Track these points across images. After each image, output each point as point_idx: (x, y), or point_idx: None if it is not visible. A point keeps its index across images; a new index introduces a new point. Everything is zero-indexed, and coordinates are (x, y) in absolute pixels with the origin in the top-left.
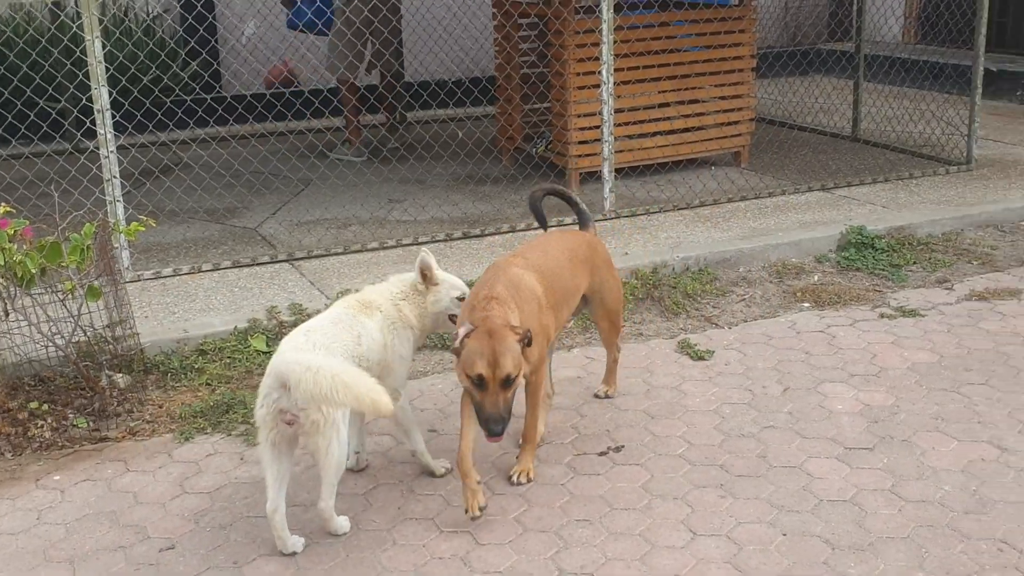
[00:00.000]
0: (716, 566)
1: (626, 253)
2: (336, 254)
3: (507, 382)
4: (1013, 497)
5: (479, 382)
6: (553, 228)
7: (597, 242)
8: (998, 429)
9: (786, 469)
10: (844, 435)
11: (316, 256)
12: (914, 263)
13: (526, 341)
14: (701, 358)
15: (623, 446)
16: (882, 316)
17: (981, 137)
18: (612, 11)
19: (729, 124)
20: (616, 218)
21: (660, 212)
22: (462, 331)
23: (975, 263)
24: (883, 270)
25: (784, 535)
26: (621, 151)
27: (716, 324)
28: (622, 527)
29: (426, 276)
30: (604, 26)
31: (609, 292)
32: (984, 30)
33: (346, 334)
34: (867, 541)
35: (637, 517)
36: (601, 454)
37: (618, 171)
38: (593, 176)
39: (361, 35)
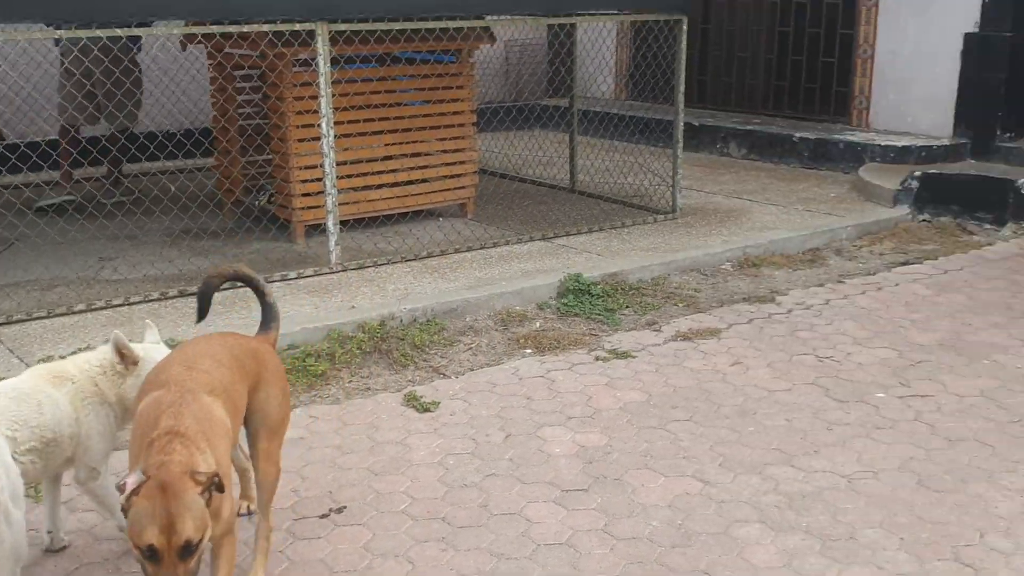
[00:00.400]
0: None
1: (353, 306)
2: (39, 318)
3: (187, 550)
4: (714, 528)
5: (150, 554)
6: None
7: (268, 351)
8: (701, 463)
9: (506, 516)
10: (561, 478)
11: (17, 321)
12: (627, 307)
13: (213, 487)
14: (427, 410)
15: (345, 506)
16: (597, 359)
17: (685, 187)
18: (329, 65)
19: (454, 176)
20: (343, 271)
21: (388, 263)
22: (130, 483)
23: (680, 305)
24: (599, 315)
25: None
26: (347, 203)
27: (443, 374)
28: None
29: (124, 356)
30: (321, 79)
31: (274, 409)
32: (683, 88)
33: (23, 404)
34: None
35: None
36: (322, 516)
37: (344, 223)
38: (318, 228)
39: (81, 86)
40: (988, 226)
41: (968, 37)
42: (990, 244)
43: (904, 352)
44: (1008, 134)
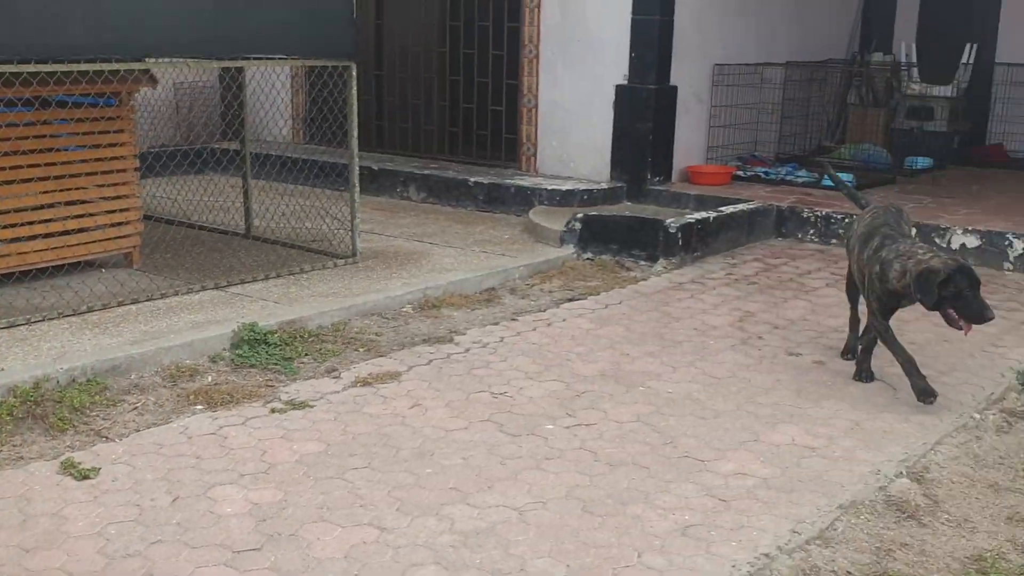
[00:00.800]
0: None
1: (2, 368)
2: None
3: None
4: (390, 575)
5: None
6: None
7: None
8: (378, 510)
9: None
10: (233, 538)
11: None
12: (306, 355)
13: None
14: (87, 477)
15: None
16: (273, 411)
17: (365, 231)
18: None
19: (116, 225)
20: None
21: (43, 320)
22: None
23: (361, 350)
24: (276, 364)
25: None
26: None
27: (106, 437)
28: None
29: None
30: None
31: None
32: (356, 132)
33: None
34: None
35: None
36: None
37: None
38: None
39: None
40: (643, 262)
41: (619, 88)
42: (644, 279)
43: (571, 384)
44: (657, 177)
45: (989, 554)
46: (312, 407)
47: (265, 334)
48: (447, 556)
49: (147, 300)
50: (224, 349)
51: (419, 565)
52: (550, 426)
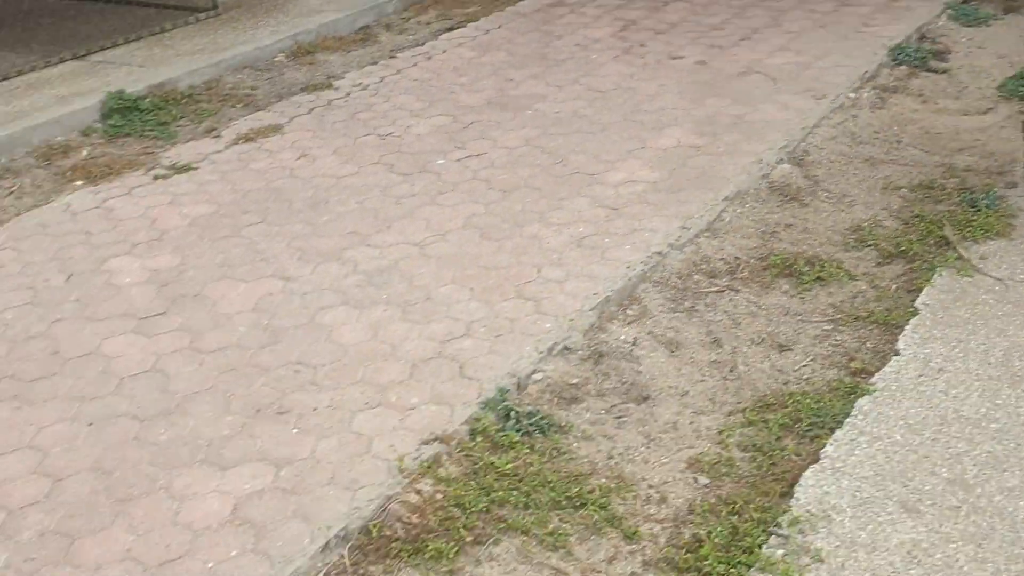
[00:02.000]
0: (23, 481)
1: None
2: None
3: None
4: (301, 320)
5: None
6: None
7: None
8: (280, 262)
9: (82, 358)
10: (136, 306)
11: None
12: (181, 117)
13: None
14: None
15: None
16: (156, 178)
17: None
18: None
19: None
20: None
21: None
22: None
23: (239, 106)
24: (152, 130)
25: (90, 424)
26: None
27: None
28: None
29: None
30: None
31: None
32: None
33: None
34: (174, 403)
35: None
36: None
37: None
38: None
39: None
40: None
41: None
42: None
43: (457, 116)
44: None
45: (866, 223)
46: (196, 169)
47: (135, 100)
48: (354, 296)
49: (3, 80)
50: (95, 121)
51: (328, 308)
52: (441, 161)
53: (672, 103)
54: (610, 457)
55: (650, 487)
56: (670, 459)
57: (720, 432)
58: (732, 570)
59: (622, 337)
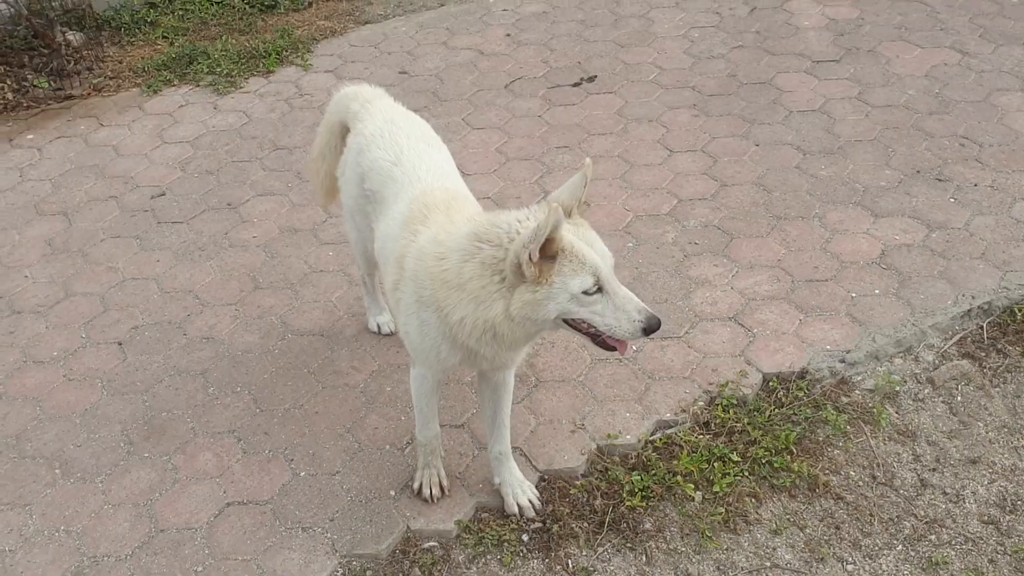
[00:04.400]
0: (693, 178)
1: None
2: None
3: None
4: (973, 97)
5: None
6: None
7: None
8: (959, 35)
9: (756, 85)
10: (811, 49)
11: None
12: None
13: None
14: None
15: (596, 76)
16: None
17: None
18: None
19: None
20: None
21: None
22: None
23: None
24: None
25: (757, 145)
26: None
27: None
28: (601, 150)
29: None
30: None
31: None
32: None
33: None
34: (836, 145)
35: (614, 140)
36: (575, 85)
37: None
38: None
39: None
40: None
41: None
42: None
43: None
44: None
45: None
46: None
47: None
48: None
49: None
50: None
51: (1004, 90)
52: None
53: None
54: None
55: None
56: None
57: None
58: None
59: None
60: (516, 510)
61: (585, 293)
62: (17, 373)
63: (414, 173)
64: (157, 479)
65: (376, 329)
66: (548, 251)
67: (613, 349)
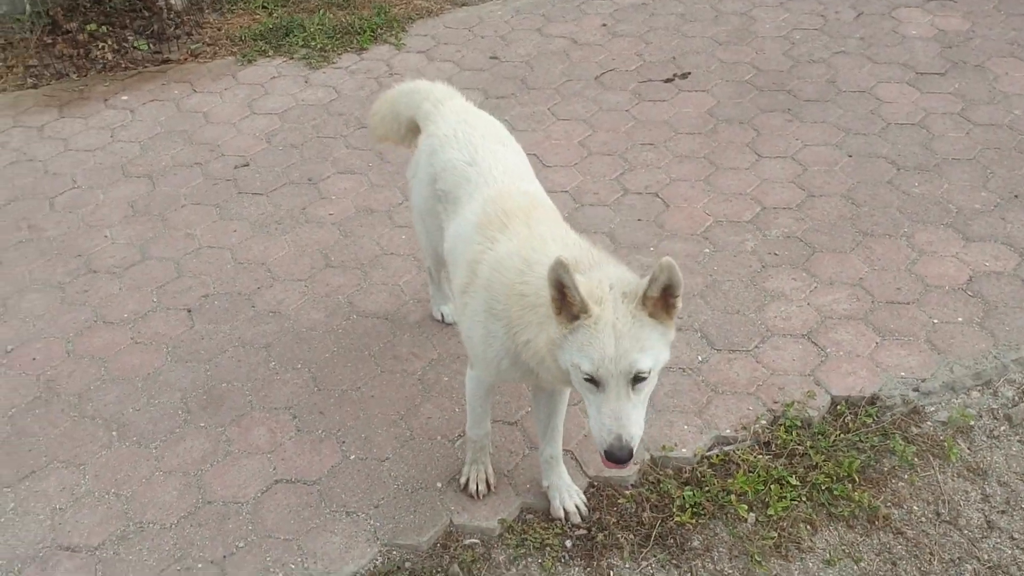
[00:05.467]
0: (780, 185)
1: None
2: None
3: None
4: None
5: None
6: None
7: None
8: None
9: (855, 94)
10: (916, 60)
11: None
12: None
13: None
14: None
15: (689, 72)
16: None
17: None
18: None
19: None
20: None
21: None
22: None
23: None
24: None
25: (850, 156)
26: None
27: None
28: (687, 150)
29: None
30: None
31: None
32: None
33: None
34: (933, 162)
35: (702, 141)
36: (667, 81)
37: None
38: None
39: None
40: None
41: None
42: None
43: None
44: None
45: None
46: None
47: None
48: None
49: None
50: None
51: None
52: None
53: None
54: None
55: None
56: None
57: None
58: None
59: None
60: (562, 514)
61: (580, 371)
62: (87, 332)
63: (489, 174)
64: (210, 449)
65: (440, 318)
66: (569, 305)
67: None
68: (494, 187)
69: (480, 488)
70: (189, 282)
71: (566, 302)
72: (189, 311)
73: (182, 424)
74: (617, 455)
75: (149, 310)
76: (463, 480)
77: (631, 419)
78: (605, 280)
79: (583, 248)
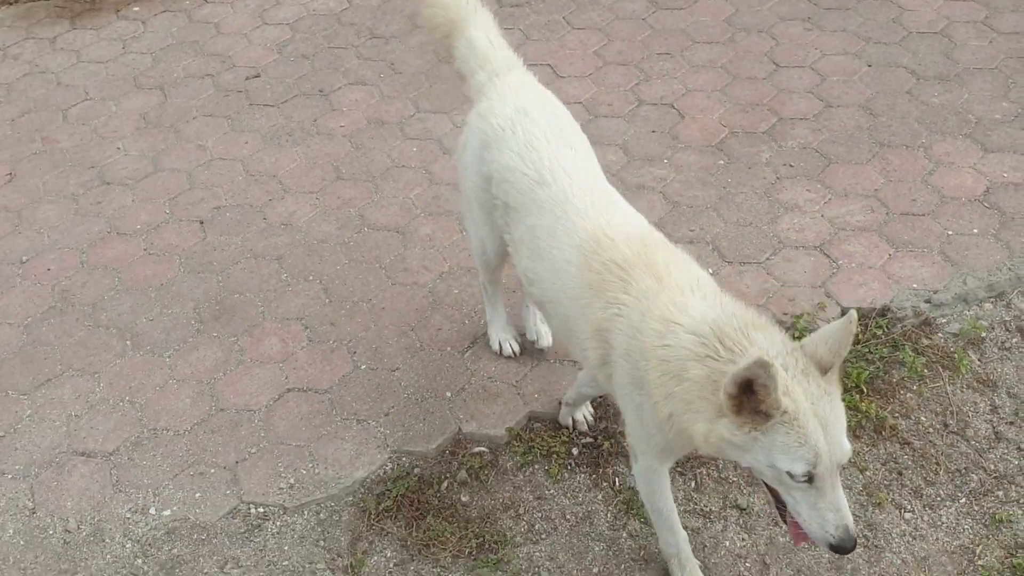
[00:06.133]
0: (798, 96)
1: None
2: None
3: None
4: None
5: None
6: None
7: None
8: None
9: (877, 1)
10: None
11: None
12: None
13: None
14: None
15: None
16: None
17: None
18: None
19: None
20: None
21: None
22: None
23: None
24: None
25: (869, 66)
26: None
27: None
28: (703, 60)
29: None
30: None
31: None
32: None
33: None
34: (954, 72)
35: (719, 50)
36: None
37: None
38: None
39: None
40: None
41: None
42: None
43: None
44: None
45: None
46: None
47: None
48: None
49: None
50: None
51: None
52: None
53: None
54: None
55: None
56: None
57: None
58: None
59: None
60: (569, 422)
61: (789, 475)
62: (100, 243)
63: (568, 202)
64: (222, 359)
65: (497, 349)
66: (759, 403)
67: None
68: (582, 226)
69: None
70: (201, 194)
71: (750, 398)
72: (201, 223)
73: (195, 334)
74: (848, 547)
75: (162, 222)
76: None
77: (845, 504)
78: (776, 357)
79: (726, 307)
